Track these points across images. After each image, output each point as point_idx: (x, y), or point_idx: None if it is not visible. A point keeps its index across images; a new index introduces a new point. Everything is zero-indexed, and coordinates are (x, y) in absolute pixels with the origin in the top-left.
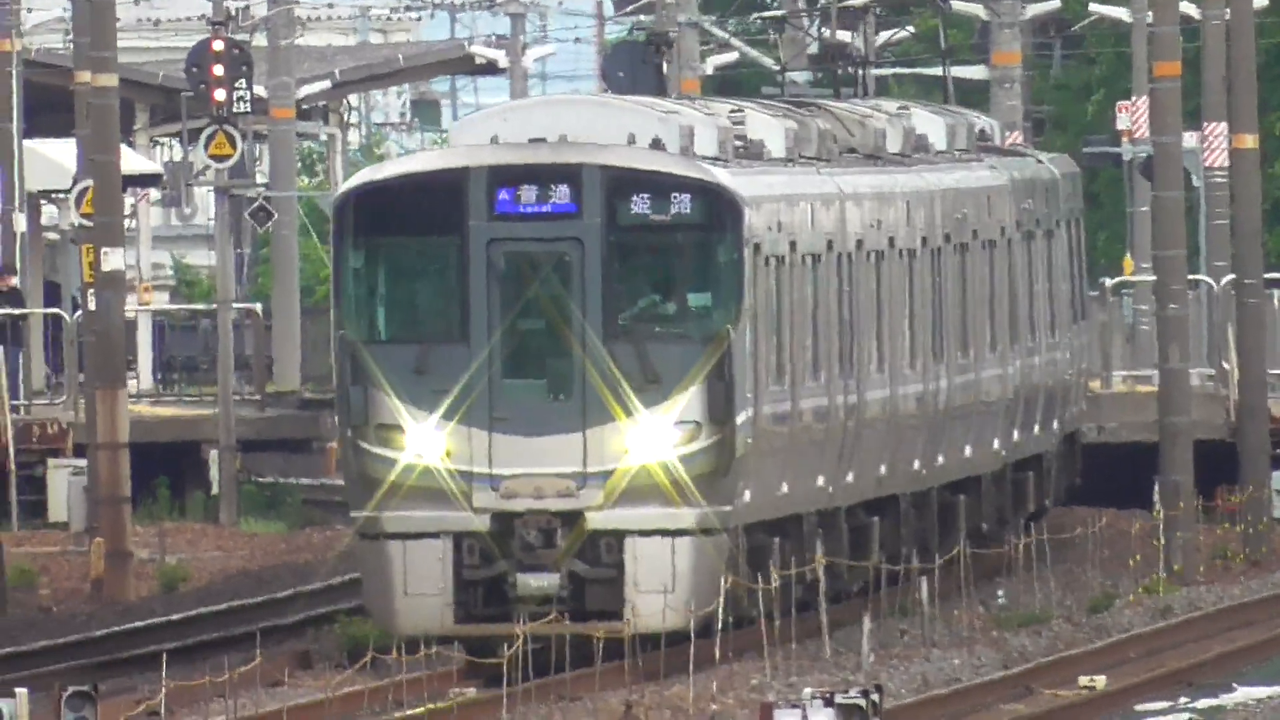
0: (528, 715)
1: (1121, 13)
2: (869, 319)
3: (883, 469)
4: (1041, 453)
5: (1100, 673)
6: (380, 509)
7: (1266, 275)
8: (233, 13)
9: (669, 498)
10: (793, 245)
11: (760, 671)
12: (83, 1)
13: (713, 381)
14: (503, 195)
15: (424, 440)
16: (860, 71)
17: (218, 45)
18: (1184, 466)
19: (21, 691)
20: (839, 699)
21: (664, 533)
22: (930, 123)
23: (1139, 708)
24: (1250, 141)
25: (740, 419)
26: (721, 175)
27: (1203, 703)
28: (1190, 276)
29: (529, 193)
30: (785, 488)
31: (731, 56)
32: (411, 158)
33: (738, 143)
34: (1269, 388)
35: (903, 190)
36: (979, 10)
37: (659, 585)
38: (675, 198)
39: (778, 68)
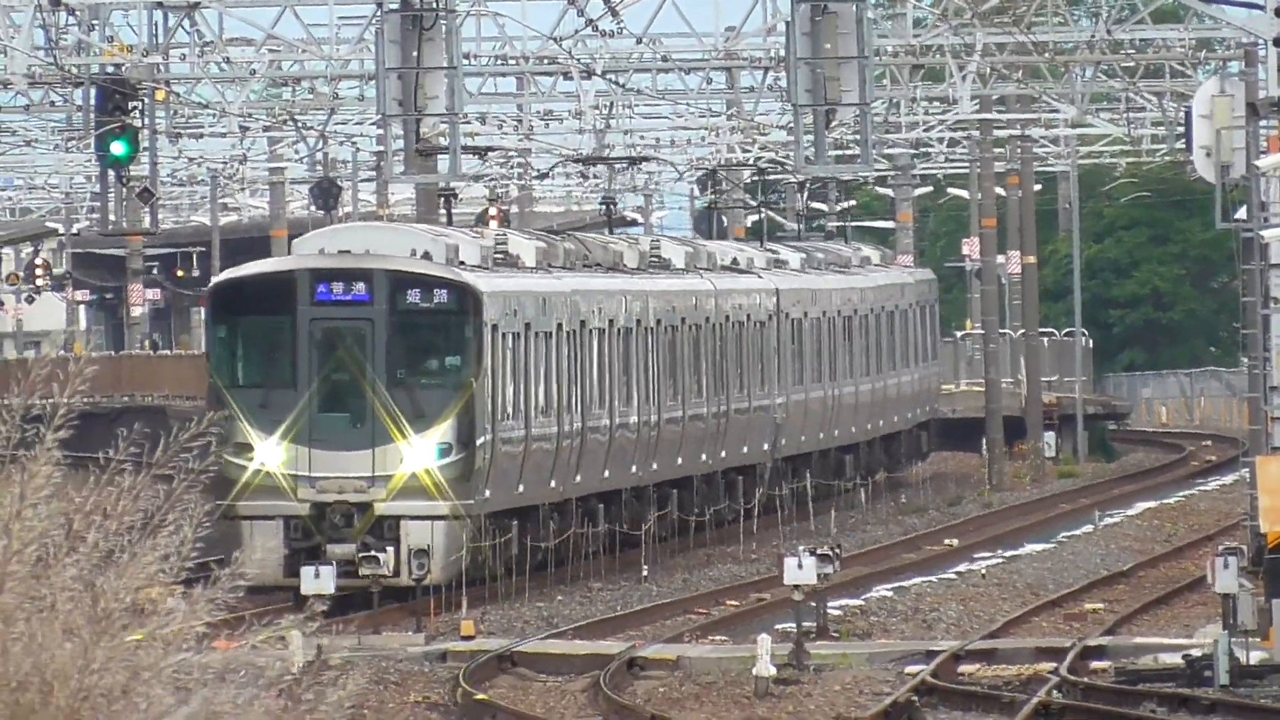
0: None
1: (965, 193)
2: (590, 375)
3: (606, 473)
4: (870, 438)
5: (954, 537)
6: (236, 500)
7: (1040, 329)
8: (498, 195)
9: (430, 494)
10: (527, 326)
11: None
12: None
13: (461, 417)
14: (321, 288)
15: (267, 453)
16: (821, 222)
17: (492, 211)
18: (998, 430)
19: None
20: (819, 551)
21: (426, 517)
22: (674, 251)
23: (975, 556)
24: (1031, 260)
25: (480, 442)
26: (468, 276)
27: (1009, 553)
28: (1000, 330)
29: (339, 287)
30: (521, 488)
31: (757, 215)
32: (262, 262)
33: (498, 255)
34: (1041, 388)
35: (623, 290)
36: (890, 192)
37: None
38: (436, 292)
39: (782, 220)
